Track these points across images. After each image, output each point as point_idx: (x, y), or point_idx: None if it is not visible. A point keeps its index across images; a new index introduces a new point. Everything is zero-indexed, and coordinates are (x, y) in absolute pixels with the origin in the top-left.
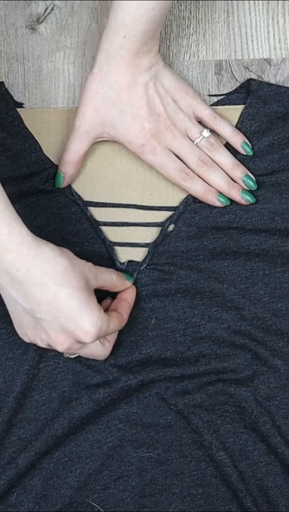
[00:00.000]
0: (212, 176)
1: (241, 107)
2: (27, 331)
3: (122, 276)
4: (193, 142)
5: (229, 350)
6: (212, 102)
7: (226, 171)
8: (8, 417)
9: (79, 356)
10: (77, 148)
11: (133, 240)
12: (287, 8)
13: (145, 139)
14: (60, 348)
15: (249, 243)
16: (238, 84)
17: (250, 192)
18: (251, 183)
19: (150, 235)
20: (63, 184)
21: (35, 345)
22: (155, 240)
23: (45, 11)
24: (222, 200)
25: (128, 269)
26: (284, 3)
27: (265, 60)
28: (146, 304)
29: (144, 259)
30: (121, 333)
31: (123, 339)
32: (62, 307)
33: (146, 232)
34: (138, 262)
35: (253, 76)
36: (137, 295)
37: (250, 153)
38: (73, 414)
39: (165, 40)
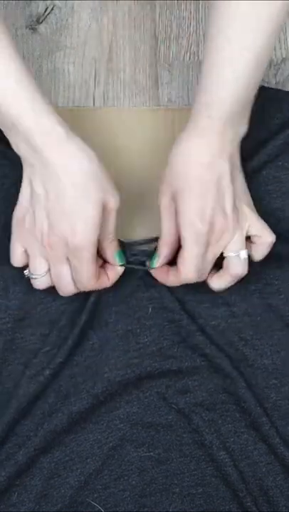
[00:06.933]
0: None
1: None
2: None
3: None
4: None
5: (223, 341)
6: None
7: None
8: (9, 414)
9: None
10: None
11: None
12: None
13: (203, 223)
14: (46, 243)
15: None
16: None
17: None
18: None
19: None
20: (156, 264)
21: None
22: (156, 237)
23: (45, 11)
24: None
25: (138, 258)
26: None
27: None
28: (143, 293)
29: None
30: (117, 322)
31: (119, 328)
32: (64, 196)
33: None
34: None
35: None
36: (134, 284)
37: None
38: (72, 410)
39: (165, 40)
